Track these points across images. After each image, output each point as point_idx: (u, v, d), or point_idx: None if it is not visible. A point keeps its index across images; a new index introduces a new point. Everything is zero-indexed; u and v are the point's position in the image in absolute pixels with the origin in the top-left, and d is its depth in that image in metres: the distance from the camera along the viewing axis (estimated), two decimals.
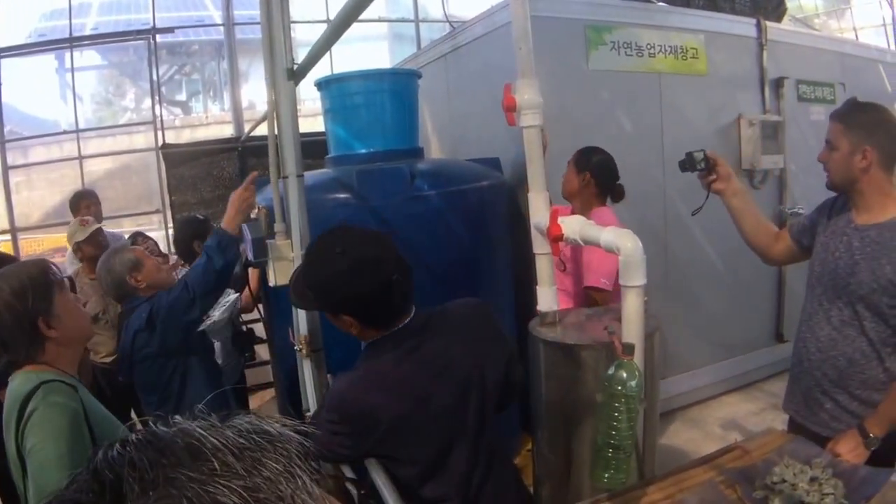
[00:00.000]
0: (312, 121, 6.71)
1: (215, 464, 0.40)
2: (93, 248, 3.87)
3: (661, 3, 4.82)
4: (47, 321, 1.69)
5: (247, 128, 6.88)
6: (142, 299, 2.76)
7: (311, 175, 3.19)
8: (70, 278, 3.88)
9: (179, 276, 3.70)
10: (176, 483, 0.39)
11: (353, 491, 1.69)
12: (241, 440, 0.43)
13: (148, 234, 4.78)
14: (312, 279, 1.66)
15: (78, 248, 3.95)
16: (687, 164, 2.32)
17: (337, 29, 1.72)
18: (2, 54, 6.92)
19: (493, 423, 1.82)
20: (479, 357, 1.75)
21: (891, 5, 11.48)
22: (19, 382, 1.65)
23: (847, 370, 2.07)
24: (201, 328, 3.59)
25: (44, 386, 1.63)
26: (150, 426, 0.44)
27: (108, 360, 3.84)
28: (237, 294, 3.76)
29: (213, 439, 0.42)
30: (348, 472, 1.74)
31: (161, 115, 7.45)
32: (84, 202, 4.72)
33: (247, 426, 0.45)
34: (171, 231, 6.34)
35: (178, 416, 0.46)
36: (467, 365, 1.72)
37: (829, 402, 2.11)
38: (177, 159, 6.42)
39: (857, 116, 2.05)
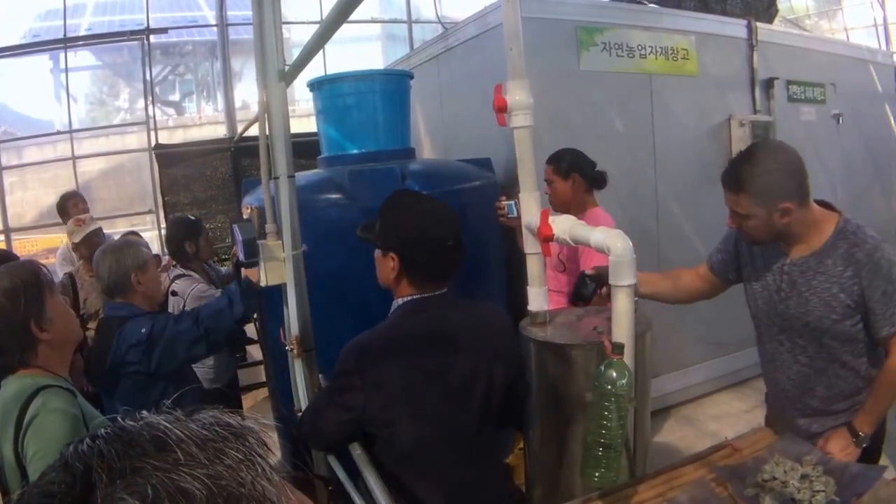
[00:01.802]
0: (306, 121, 6.71)
1: (179, 454, 0.42)
2: (89, 249, 3.84)
3: (652, 5, 4.85)
4: (39, 324, 1.68)
5: (240, 128, 6.88)
6: (133, 309, 2.60)
7: (304, 175, 3.19)
8: (70, 275, 3.88)
9: (171, 276, 3.70)
10: (142, 472, 0.41)
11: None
12: (205, 432, 0.45)
13: (140, 234, 4.76)
14: (386, 210, 1.80)
15: (76, 247, 3.96)
16: (578, 297, 2.15)
17: (327, 30, 1.72)
18: None
19: (491, 425, 1.86)
20: (493, 354, 1.81)
21: (882, 6, 11.53)
22: (15, 387, 1.64)
23: (827, 396, 2.04)
24: None
25: (43, 392, 1.62)
26: (119, 421, 0.47)
27: None
28: None
29: (177, 431, 0.44)
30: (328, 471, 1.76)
31: (154, 116, 7.44)
32: (71, 201, 4.72)
33: (210, 419, 0.47)
34: (163, 231, 6.32)
35: (144, 412, 0.49)
36: (479, 357, 1.78)
37: (816, 423, 2.08)
38: (170, 159, 6.43)
39: (760, 180, 1.89)
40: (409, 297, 1.79)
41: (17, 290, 1.66)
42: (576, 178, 3.13)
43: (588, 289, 2.09)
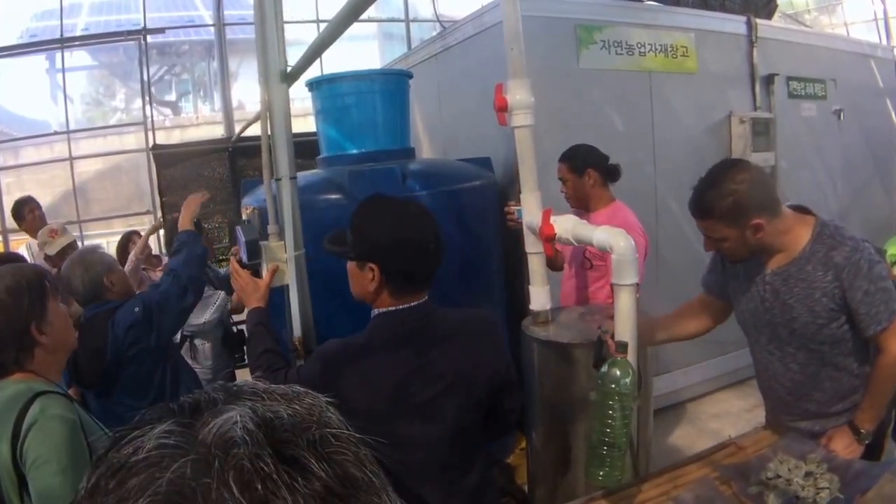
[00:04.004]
0: (303, 121, 6.70)
1: (266, 399, 0.54)
2: (63, 262, 3.82)
3: (651, 2, 4.84)
4: (40, 326, 1.67)
5: (237, 128, 6.86)
6: (114, 302, 2.65)
7: (303, 175, 3.18)
8: None
9: None
10: (241, 401, 0.52)
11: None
12: (283, 389, 0.57)
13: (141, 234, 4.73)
14: (358, 220, 1.69)
15: (49, 259, 3.93)
16: (599, 357, 1.95)
17: (333, 32, 1.72)
18: None
19: (467, 441, 1.80)
20: (470, 366, 1.73)
21: (882, 0, 11.50)
22: (10, 391, 1.63)
23: (823, 399, 2.04)
24: (193, 328, 3.58)
25: (41, 397, 1.60)
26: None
27: None
28: (228, 295, 3.75)
29: (263, 386, 0.56)
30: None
31: (151, 116, 7.42)
32: (27, 207, 4.70)
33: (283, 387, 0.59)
34: (161, 232, 6.30)
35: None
36: (457, 371, 1.70)
37: (818, 425, 2.07)
38: (167, 160, 6.41)
39: (726, 203, 1.88)
40: (386, 309, 1.69)
41: (21, 289, 1.66)
42: (591, 173, 3.09)
43: (607, 349, 1.95)
